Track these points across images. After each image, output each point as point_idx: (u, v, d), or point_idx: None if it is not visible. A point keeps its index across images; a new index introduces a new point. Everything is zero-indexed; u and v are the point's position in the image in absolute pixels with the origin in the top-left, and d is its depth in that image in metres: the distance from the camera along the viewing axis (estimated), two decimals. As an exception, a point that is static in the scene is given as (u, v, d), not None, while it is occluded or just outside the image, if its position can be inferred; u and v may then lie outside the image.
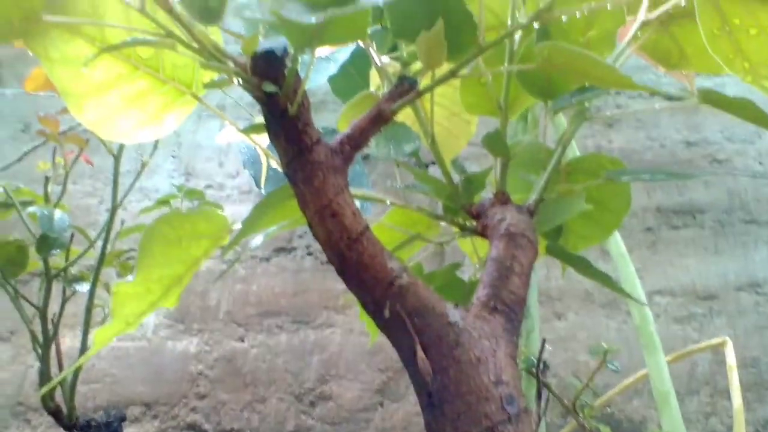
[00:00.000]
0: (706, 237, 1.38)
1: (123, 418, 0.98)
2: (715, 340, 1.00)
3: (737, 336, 1.29)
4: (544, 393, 0.87)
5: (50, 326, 0.86)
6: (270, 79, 0.35)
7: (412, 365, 0.37)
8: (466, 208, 0.47)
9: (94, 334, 0.43)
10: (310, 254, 1.45)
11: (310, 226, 0.39)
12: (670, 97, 0.43)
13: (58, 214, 0.75)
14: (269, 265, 1.46)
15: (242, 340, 1.38)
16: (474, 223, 0.47)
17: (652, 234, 1.41)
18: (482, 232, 0.46)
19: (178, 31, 0.35)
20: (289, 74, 0.36)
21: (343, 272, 0.39)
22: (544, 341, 0.86)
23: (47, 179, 0.80)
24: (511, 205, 0.45)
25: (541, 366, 0.88)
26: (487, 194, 0.49)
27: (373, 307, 0.38)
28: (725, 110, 0.45)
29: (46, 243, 0.72)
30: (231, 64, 0.35)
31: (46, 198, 0.79)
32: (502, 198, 0.46)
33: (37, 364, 1.43)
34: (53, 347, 0.88)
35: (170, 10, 0.33)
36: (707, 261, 1.36)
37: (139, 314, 0.45)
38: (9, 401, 1.41)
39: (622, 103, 1.47)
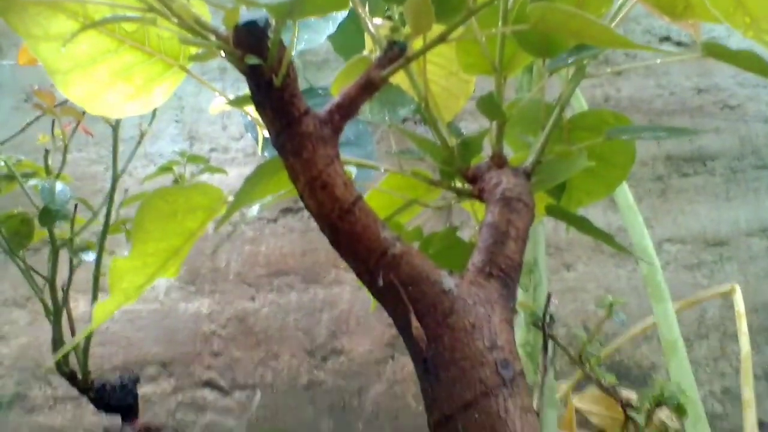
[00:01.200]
0: (716, 184, 1.36)
1: (137, 380, 1.00)
2: (723, 287, 1.00)
3: (748, 282, 1.28)
4: (551, 345, 0.88)
5: (60, 294, 0.87)
6: (253, 51, 0.35)
7: (407, 333, 0.37)
8: (462, 172, 0.47)
9: (94, 309, 0.43)
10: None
11: (302, 197, 0.39)
12: (671, 53, 0.42)
13: (59, 186, 0.75)
14: (276, 226, 1.47)
15: (253, 300, 1.40)
16: (471, 187, 0.46)
17: (662, 182, 1.39)
18: (479, 196, 0.45)
19: (158, 5, 0.34)
20: (272, 45, 0.35)
21: (336, 243, 0.39)
22: (549, 295, 0.86)
23: (47, 152, 0.80)
24: (508, 168, 0.45)
25: (548, 319, 0.89)
26: (486, 154, 0.48)
27: (367, 276, 0.38)
28: (729, 62, 0.44)
29: (48, 215, 0.73)
30: (213, 38, 0.34)
31: (47, 170, 0.79)
32: (498, 161, 0.45)
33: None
34: (65, 314, 0.90)
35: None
36: (718, 208, 1.35)
37: (138, 287, 0.46)
38: (30, 364, 1.45)
39: (631, 52, 1.43)
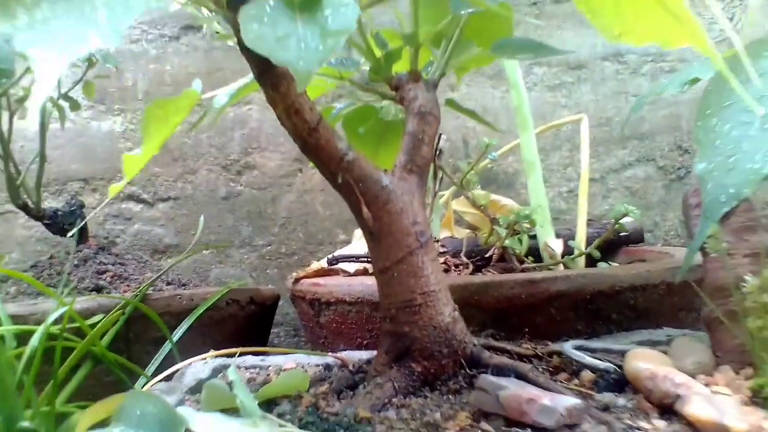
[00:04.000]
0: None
1: (82, 205, 1.13)
2: (573, 117, 1.23)
3: (598, 100, 1.54)
4: (440, 173, 1.10)
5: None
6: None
7: (359, 215, 0.55)
8: (387, 80, 0.62)
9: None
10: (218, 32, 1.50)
11: (280, 119, 0.54)
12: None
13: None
14: (179, 45, 1.52)
15: (169, 122, 1.50)
16: (394, 93, 0.62)
17: (536, 8, 1.56)
18: (400, 102, 0.62)
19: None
20: None
21: (306, 152, 0.55)
22: (440, 135, 1.06)
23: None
24: (422, 83, 0.61)
25: (437, 152, 1.10)
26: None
27: (330, 176, 0.55)
28: None
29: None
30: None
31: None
32: (414, 76, 0.61)
33: None
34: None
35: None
36: (582, 33, 1.55)
37: (141, 167, 0.60)
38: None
39: None
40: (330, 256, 1.08)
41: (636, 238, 1.21)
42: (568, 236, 1.10)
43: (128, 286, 0.99)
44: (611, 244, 1.13)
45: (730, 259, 0.54)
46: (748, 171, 0.53)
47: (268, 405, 0.52)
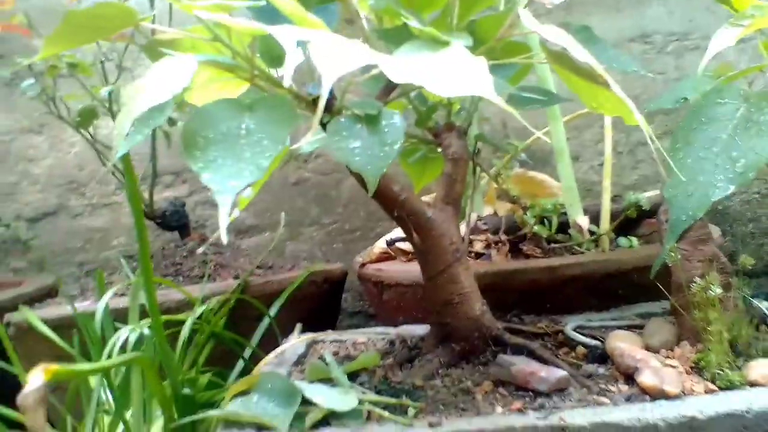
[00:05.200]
0: (597, -4, 1.68)
1: (183, 204, 1.38)
2: (599, 106, 1.38)
3: (625, 79, 1.67)
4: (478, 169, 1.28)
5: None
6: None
7: (410, 238, 0.76)
8: (430, 130, 0.82)
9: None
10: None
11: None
12: None
13: None
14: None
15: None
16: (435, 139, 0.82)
17: (568, -5, 1.69)
18: (438, 146, 0.81)
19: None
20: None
21: (373, 195, 0.76)
22: (477, 140, 1.25)
23: None
24: (455, 132, 0.80)
25: (475, 151, 1.28)
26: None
27: (389, 211, 0.76)
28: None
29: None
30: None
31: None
32: (449, 127, 0.80)
33: (75, 149, 1.77)
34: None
35: None
36: (610, 18, 1.68)
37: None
38: (62, 181, 1.78)
39: None
40: (388, 238, 1.29)
41: (656, 210, 1.38)
42: (595, 211, 1.28)
43: (228, 273, 1.23)
44: (636, 218, 1.30)
45: (687, 263, 0.73)
46: (702, 198, 0.71)
47: (352, 376, 0.75)
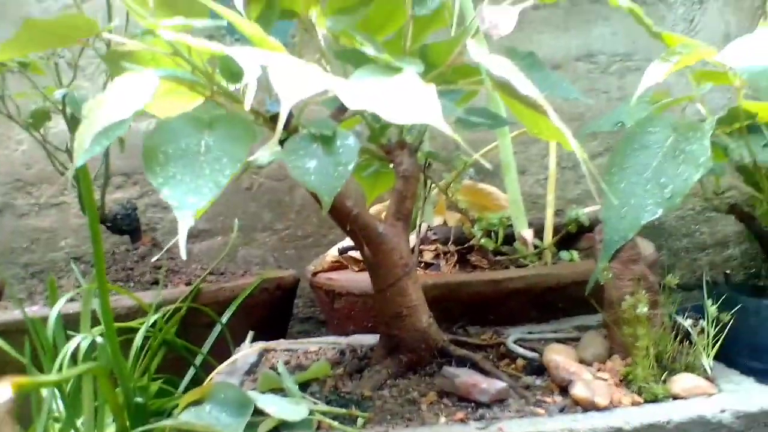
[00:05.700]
0: (558, 16, 1.74)
1: (135, 208, 1.37)
2: (545, 123, 1.44)
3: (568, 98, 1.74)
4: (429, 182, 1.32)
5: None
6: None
7: (362, 252, 0.79)
8: (382, 147, 0.85)
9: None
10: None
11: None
12: None
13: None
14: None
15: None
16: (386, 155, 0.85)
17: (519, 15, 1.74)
18: (390, 162, 0.84)
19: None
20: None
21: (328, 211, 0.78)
22: (427, 157, 1.29)
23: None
24: (406, 150, 0.83)
25: (426, 165, 1.32)
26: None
27: (341, 225, 0.79)
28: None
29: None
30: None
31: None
32: (401, 144, 0.83)
33: (23, 147, 1.74)
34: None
35: None
36: (557, 37, 1.74)
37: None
38: (9, 179, 1.74)
39: None
40: (340, 246, 1.32)
41: (596, 225, 1.45)
42: (540, 225, 1.33)
43: (180, 278, 1.24)
44: (576, 233, 1.36)
45: (618, 282, 0.78)
46: (634, 221, 0.77)
47: (303, 386, 0.78)
